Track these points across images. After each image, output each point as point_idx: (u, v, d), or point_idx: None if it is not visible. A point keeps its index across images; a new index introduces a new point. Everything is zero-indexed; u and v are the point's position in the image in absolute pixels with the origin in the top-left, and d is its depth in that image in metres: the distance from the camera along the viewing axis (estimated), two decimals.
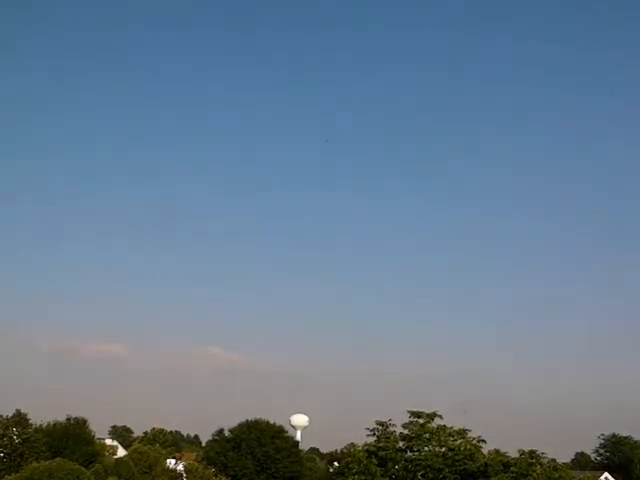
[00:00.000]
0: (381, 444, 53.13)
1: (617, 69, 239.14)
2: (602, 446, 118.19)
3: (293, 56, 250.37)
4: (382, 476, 53.06)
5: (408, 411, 54.18)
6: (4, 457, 63.80)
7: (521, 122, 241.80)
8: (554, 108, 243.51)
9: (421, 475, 52.22)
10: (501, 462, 51.55)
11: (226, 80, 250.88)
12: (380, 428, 53.90)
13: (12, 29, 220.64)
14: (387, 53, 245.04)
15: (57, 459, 55.83)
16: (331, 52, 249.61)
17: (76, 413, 75.29)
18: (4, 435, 64.76)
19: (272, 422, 79.54)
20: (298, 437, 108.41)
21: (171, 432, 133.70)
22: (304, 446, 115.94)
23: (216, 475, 76.50)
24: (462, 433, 52.67)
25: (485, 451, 54.40)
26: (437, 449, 52.50)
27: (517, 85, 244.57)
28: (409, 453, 53.27)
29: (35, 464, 54.63)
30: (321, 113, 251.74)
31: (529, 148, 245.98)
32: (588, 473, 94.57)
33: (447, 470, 50.93)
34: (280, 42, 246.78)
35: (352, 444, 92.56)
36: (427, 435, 52.67)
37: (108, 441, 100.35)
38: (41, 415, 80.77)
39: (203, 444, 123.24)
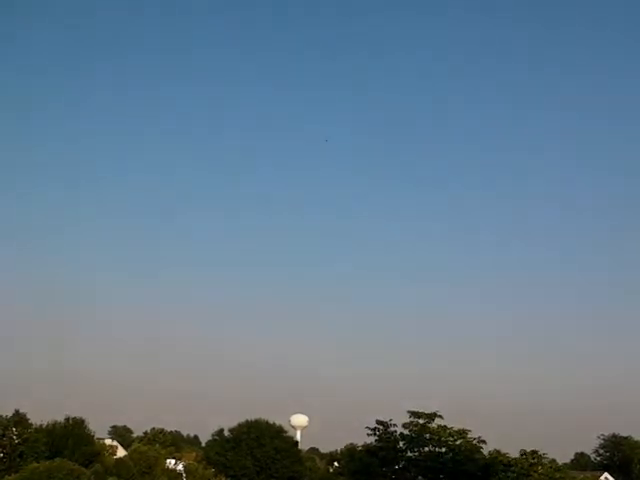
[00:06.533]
0: (381, 444, 53.18)
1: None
2: (602, 446, 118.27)
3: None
4: (382, 476, 53.13)
5: (408, 411, 54.25)
6: (4, 457, 63.70)
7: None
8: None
9: (422, 475, 52.30)
10: (502, 462, 51.69)
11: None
12: (381, 428, 53.93)
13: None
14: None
15: (57, 459, 55.85)
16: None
17: (76, 413, 75.50)
18: (4, 435, 64.66)
19: (272, 422, 79.50)
20: (298, 437, 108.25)
21: (171, 432, 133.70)
22: (304, 446, 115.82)
23: (216, 475, 76.46)
24: (462, 433, 52.73)
25: (486, 451, 54.55)
26: (437, 449, 52.58)
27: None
28: (409, 453, 53.33)
29: (35, 464, 54.65)
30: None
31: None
32: (588, 473, 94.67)
33: (447, 470, 51.00)
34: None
35: (352, 444, 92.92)
36: (427, 435, 52.72)
37: (108, 441, 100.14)
38: (41, 415, 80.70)
39: (203, 444, 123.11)
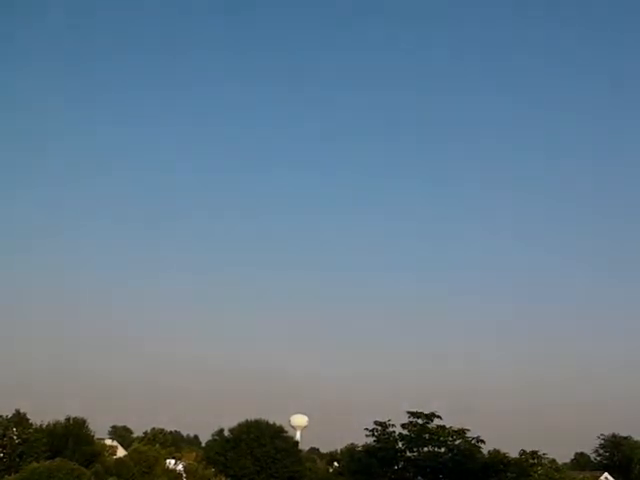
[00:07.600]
0: (380, 445, 53.04)
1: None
2: (602, 446, 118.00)
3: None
4: (382, 476, 53.03)
5: (407, 412, 54.06)
6: (4, 457, 63.70)
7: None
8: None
9: (421, 475, 52.20)
10: (501, 462, 51.60)
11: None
12: (379, 429, 53.77)
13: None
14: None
15: (57, 459, 55.86)
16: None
17: (76, 413, 75.66)
18: (4, 435, 64.65)
19: (272, 422, 79.55)
20: (298, 437, 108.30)
21: (171, 432, 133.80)
22: (304, 446, 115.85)
23: (216, 475, 76.57)
24: (461, 433, 52.58)
25: (485, 451, 54.46)
26: (437, 449, 52.43)
27: None
28: (409, 453, 53.18)
29: (35, 464, 54.66)
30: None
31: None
32: (588, 473, 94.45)
33: (447, 470, 50.90)
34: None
35: (352, 444, 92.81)
36: (427, 435, 52.58)
37: (108, 441, 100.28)
38: (41, 415, 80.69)
39: (203, 444, 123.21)
